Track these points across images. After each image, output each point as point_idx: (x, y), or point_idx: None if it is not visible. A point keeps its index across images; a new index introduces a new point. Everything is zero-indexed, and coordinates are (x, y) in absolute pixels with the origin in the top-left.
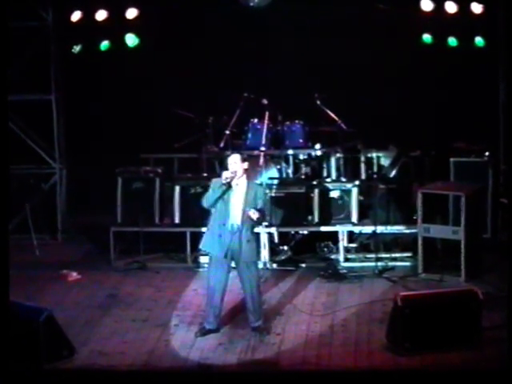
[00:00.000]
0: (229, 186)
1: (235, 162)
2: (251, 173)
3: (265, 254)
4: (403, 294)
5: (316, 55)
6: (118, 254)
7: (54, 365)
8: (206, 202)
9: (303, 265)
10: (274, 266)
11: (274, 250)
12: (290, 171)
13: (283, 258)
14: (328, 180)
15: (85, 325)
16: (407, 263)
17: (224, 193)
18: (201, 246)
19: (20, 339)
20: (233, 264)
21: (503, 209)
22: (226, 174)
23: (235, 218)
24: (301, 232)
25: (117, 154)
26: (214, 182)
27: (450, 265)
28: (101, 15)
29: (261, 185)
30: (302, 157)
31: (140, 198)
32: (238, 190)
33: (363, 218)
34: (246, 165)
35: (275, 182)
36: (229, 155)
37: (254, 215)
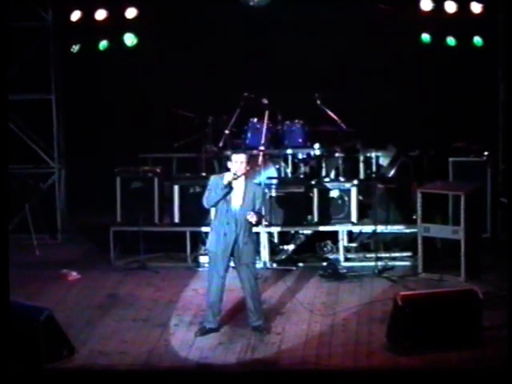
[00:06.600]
0: (230, 187)
1: (241, 161)
2: (250, 172)
3: (265, 253)
4: (403, 293)
5: (316, 55)
6: (118, 253)
7: (54, 364)
8: (206, 202)
9: (303, 264)
10: (274, 265)
11: (273, 250)
12: (288, 171)
13: (283, 257)
14: (327, 180)
15: (85, 324)
16: (407, 263)
17: (226, 194)
18: (207, 247)
19: (20, 339)
20: (232, 264)
21: (503, 208)
22: (228, 177)
23: (235, 217)
24: (301, 232)
25: (116, 154)
26: (212, 180)
27: (449, 264)
28: (100, 15)
29: (259, 184)
30: (301, 156)
31: (139, 197)
32: (237, 190)
33: (363, 217)
34: (248, 166)
35: (274, 181)
36: (235, 153)
37: (253, 218)
